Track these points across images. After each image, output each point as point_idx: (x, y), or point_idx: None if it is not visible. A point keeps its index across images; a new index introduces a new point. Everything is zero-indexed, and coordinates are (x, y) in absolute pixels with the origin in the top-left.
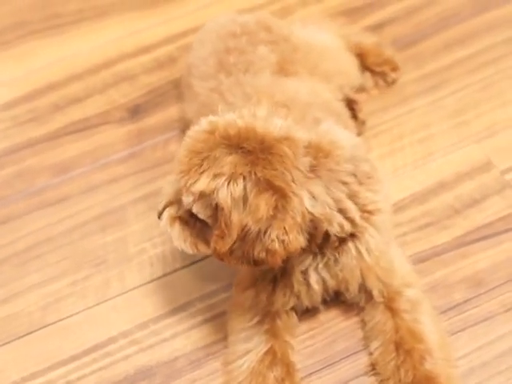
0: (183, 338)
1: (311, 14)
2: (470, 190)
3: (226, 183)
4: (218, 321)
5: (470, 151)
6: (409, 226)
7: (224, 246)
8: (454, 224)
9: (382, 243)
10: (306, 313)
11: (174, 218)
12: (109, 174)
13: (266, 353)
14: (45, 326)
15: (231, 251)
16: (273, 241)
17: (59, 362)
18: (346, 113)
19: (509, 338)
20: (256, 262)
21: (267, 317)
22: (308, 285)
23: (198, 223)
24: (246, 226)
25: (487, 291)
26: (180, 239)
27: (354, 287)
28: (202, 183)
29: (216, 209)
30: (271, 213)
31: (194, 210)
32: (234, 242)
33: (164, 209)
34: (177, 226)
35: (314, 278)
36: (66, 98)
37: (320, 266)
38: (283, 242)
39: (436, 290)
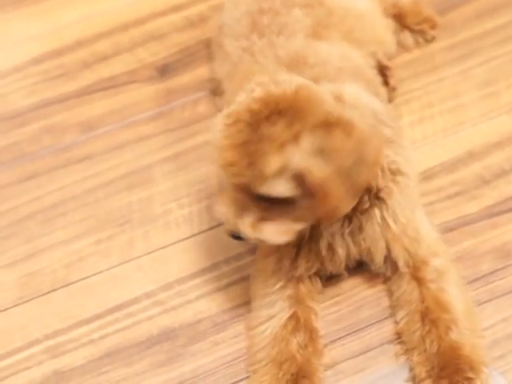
0: (208, 300)
1: None
2: (500, 161)
3: (295, 147)
4: (243, 284)
5: (501, 122)
6: (437, 194)
7: (338, 202)
8: (482, 194)
9: (408, 209)
10: (331, 279)
11: (253, 223)
12: (136, 133)
13: (289, 318)
14: (68, 284)
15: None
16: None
17: (82, 320)
18: (377, 79)
19: None
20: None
21: (290, 282)
22: (333, 250)
23: (277, 207)
24: (340, 168)
25: None
26: (276, 236)
27: (379, 259)
28: (274, 162)
29: (298, 179)
30: (351, 144)
31: (280, 191)
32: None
33: (234, 230)
34: (264, 226)
35: (339, 244)
36: (94, 55)
37: (346, 231)
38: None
39: (463, 260)
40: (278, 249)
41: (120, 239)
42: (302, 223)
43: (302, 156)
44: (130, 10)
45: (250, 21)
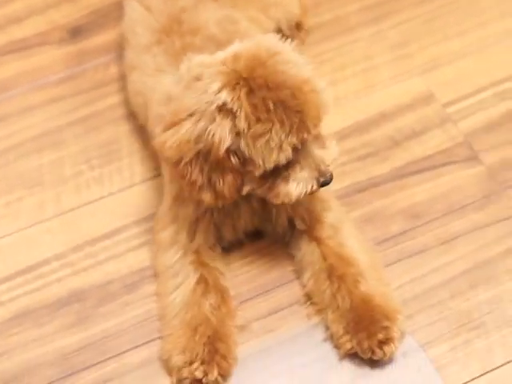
0: (118, 261)
1: None
2: (411, 122)
3: None
4: (153, 245)
5: (412, 84)
6: (348, 155)
7: None
8: (393, 155)
9: None
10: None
11: None
12: (47, 95)
13: (197, 282)
14: None
15: None
16: None
17: None
18: None
19: (442, 272)
20: None
21: (189, 250)
22: (236, 218)
23: None
24: None
25: (423, 224)
26: None
27: (282, 220)
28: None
29: None
30: None
31: None
32: None
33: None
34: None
35: (244, 209)
36: (5, 17)
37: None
38: None
39: (373, 220)
40: (174, 221)
41: (30, 201)
42: None
43: None
44: None
45: None
